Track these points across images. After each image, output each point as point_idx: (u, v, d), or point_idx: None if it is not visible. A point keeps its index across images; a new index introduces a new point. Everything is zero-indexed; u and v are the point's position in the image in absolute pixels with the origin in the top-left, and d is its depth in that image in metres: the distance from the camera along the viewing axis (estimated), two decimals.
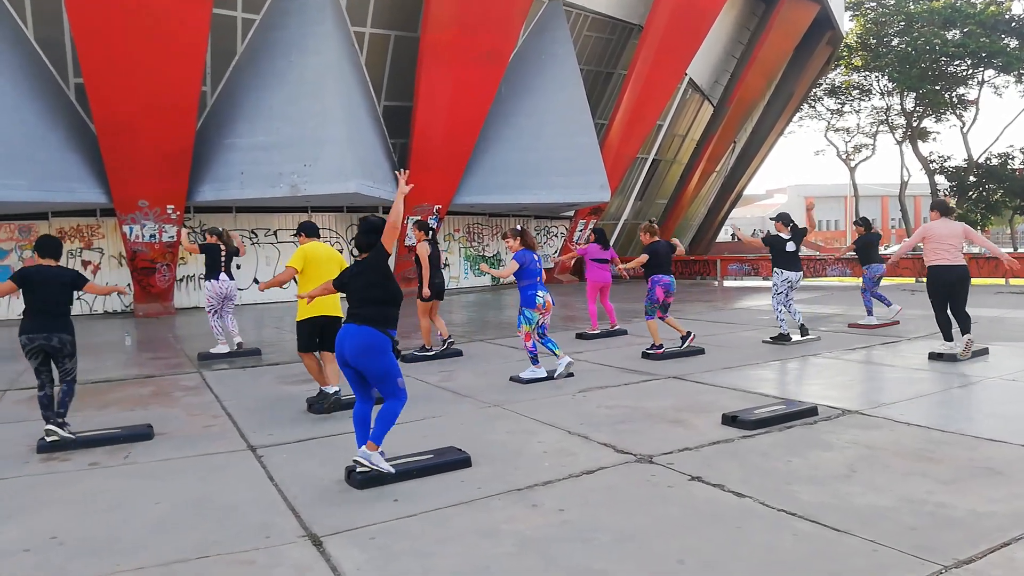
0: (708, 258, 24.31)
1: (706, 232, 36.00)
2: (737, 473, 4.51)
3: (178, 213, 15.88)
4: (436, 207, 19.11)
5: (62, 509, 4.29)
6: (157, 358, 9.96)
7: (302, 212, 19.14)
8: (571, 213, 23.56)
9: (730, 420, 5.63)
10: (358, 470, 4.45)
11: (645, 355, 8.75)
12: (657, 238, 9.09)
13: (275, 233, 18.98)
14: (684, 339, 8.90)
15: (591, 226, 23.70)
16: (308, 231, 6.94)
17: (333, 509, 4.15)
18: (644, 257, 9.01)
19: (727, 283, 21.98)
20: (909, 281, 19.12)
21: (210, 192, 15.93)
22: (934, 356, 8.08)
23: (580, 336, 10.67)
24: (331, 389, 6.50)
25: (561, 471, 4.65)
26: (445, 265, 22.04)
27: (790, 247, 9.66)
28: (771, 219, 10.39)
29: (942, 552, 3.32)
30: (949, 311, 8.08)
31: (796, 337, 9.65)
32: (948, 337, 8.21)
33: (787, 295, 9.73)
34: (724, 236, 40.77)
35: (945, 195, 36.70)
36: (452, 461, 4.77)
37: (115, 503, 4.36)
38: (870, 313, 10.99)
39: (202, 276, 17.56)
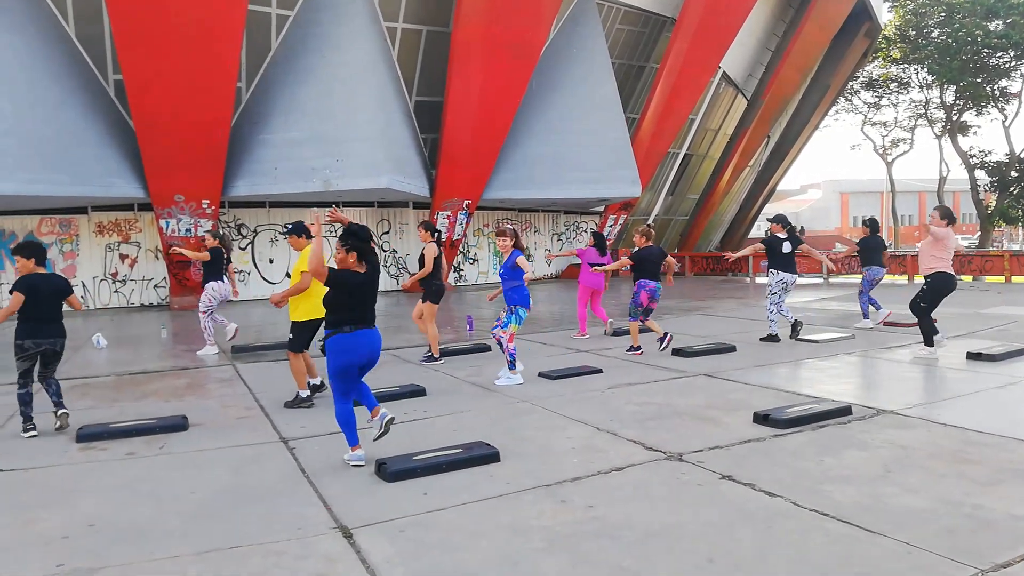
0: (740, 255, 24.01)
1: (738, 228, 35.60)
2: (768, 472, 4.46)
3: (213, 208, 16.12)
4: (466, 202, 19.16)
5: (99, 497, 4.38)
6: (192, 350, 10.13)
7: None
8: (601, 208, 23.46)
9: (762, 418, 5.56)
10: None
11: (675, 352, 8.71)
12: (651, 243, 9.11)
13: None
14: (662, 340, 8.85)
15: (620, 222, 23.61)
16: (300, 231, 6.81)
17: (363, 501, 4.19)
18: (626, 261, 9.16)
19: (759, 279, 21.72)
20: None
21: (244, 187, 16.16)
22: (972, 356, 7.91)
23: (615, 333, 10.61)
24: (316, 380, 6.81)
25: (590, 467, 4.64)
26: (474, 260, 22.12)
27: (786, 247, 9.65)
28: (768, 220, 10.37)
29: (979, 555, 3.26)
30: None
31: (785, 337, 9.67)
32: (930, 342, 8.17)
33: (780, 296, 9.72)
34: (757, 232, 40.24)
35: (986, 191, 35.84)
36: (481, 456, 4.79)
37: (150, 492, 4.45)
38: (865, 316, 10.97)
39: (236, 269, 17.94)
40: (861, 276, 11.25)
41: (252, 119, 16.21)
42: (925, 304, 8.06)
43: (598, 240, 10.69)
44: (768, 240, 9.85)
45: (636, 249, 9.10)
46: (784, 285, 9.63)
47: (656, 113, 21.61)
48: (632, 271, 9.05)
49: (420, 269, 8.66)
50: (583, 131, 19.15)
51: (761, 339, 9.61)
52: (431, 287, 8.66)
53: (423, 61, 18.24)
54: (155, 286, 17.55)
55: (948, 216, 8.14)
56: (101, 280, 17.03)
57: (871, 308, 10.94)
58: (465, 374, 7.95)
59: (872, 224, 11.36)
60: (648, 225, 9.45)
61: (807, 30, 25.86)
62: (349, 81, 15.83)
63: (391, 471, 4.50)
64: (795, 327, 9.56)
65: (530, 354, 9.10)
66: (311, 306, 6.44)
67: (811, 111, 32.73)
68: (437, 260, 8.69)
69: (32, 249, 5.86)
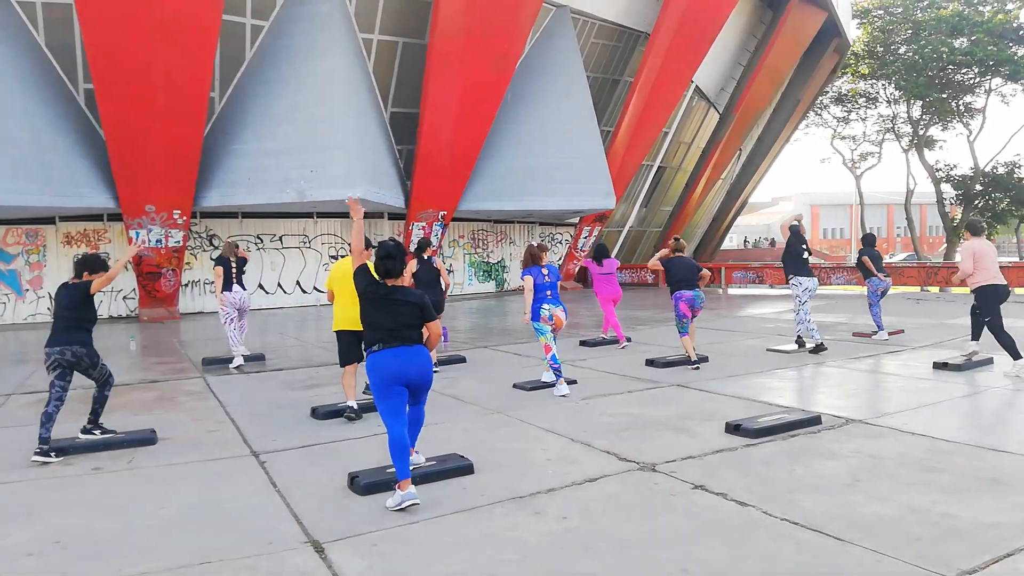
0: (713, 266, 24.27)
1: (711, 240, 35.97)
2: (740, 482, 4.49)
3: (184, 218, 15.94)
4: (441, 213, 19.14)
5: (65, 513, 4.30)
6: (162, 363, 9.98)
7: (308, 218, 19.21)
8: (576, 220, 23.57)
9: (733, 428, 5.61)
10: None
11: (649, 363, 8.78)
12: (681, 254, 9.10)
13: (280, 239, 19.04)
14: (693, 363, 8.87)
15: (595, 233, 23.73)
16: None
17: (335, 516, 4.15)
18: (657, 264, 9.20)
19: (731, 291, 21.94)
20: (914, 290, 19.11)
21: (217, 197, 16.00)
22: (938, 365, 8.04)
23: (584, 343, 10.68)
24: (352, 404, 6.43)
25: (564, 479, 4.65)
26: (448, 271, 22.08)
27: (805, 254, 9.78)
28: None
29: (946, 563, 3.31)
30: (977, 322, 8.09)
31: (792, 347, 9.78)
32: (1017, 355, 7.56)
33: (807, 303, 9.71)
34: (729, 244, 40.71)
35: (951, 204, 36.58)
36: (454, 468, 4.77)
37: (118, 508, 4.37)
38: (881, 328, 10.71)
39: (207, 281, 17.73)
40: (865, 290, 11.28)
41: (225, 129, 16.09)
42: (987, 318, 7.81)
43: (595, 253, 10.98)
44: (790, 243, 9.85)
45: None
46: (809, 292, 9.62)
47: (630, 126, 21.80)
48: (668, 285, 9.05)
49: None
50: (558, 143, 19.26)
51: (810, 351, 9.43)
52: None
53: (399, 73, 18.25)
54: (124, 297, 17.30)
55: (972, 228, 8.08)
56: None
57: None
58: (440, 386, 7.90)
59: (867, 239, 11.53)
60: (677, 239, 9.35)
61: (778, 46, 26.28)
62: (324, 92, 15.79)
63: (363, 484, 4.47)
64: (812, 345, 9.52)
65: (506, 364, 9.12)
66: (340, 317, 6.50)
67: (782, 125, 33.23)
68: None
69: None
